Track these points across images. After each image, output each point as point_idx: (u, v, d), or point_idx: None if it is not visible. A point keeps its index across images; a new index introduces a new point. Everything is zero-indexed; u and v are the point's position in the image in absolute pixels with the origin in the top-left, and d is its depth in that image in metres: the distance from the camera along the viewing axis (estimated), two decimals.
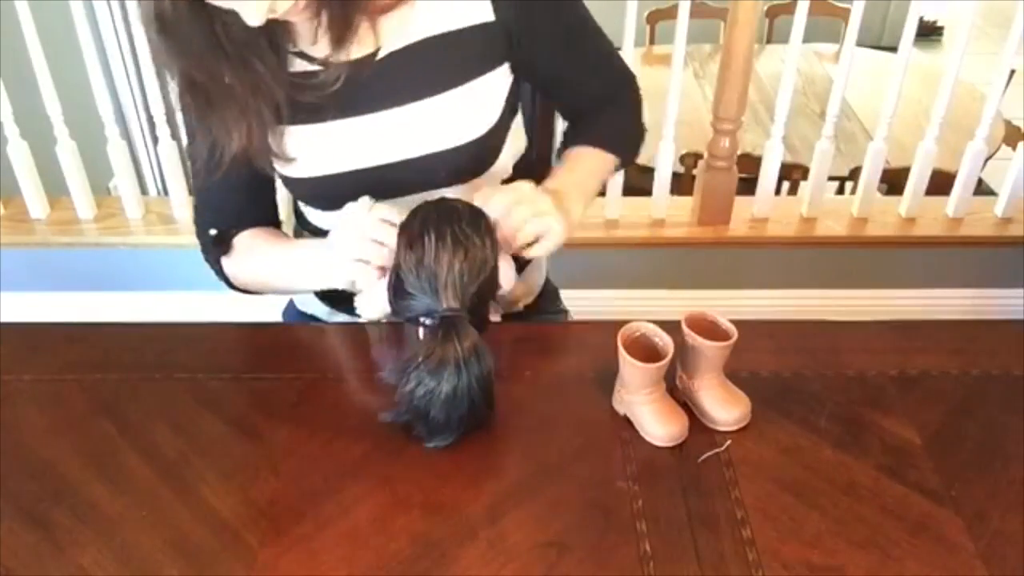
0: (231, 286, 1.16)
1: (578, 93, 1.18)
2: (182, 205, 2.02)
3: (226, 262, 1.14)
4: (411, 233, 0.93)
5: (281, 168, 1.10)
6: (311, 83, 1.01)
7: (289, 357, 1.13)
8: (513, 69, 1.09)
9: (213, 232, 1.13)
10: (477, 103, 1.07)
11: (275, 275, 1.11)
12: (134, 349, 1.11)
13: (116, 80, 2.73)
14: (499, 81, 1.08)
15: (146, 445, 0.97)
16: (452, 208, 0.95)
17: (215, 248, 1.13)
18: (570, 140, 1.19)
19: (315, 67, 1.03)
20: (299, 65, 1.04)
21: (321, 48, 1.00)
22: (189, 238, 2.07)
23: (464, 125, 1.07)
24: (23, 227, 2.02)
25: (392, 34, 1.03)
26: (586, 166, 1.15)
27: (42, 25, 1.81)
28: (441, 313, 0.92)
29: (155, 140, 2.07)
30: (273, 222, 1.18)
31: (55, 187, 2.03)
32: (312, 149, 1.07)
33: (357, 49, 1.02)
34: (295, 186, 1.12)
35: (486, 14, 1.04)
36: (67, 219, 2.04)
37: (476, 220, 0.95)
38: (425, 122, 1.06)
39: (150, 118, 2.06)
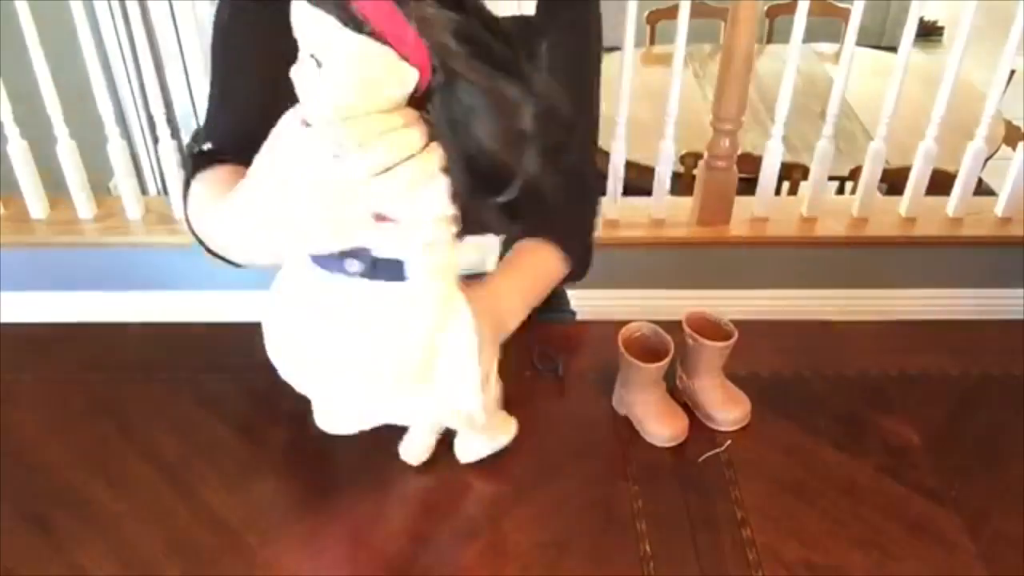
0: (192, 231, 0.97)
1: None
2: (182, 205, 2.02)
3: (195, 184, 0.95)
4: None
5: None
6: None
7: None
8: None
9: (208, 146, 0.97)
10: None
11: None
12: (134, 349, 1.12)
13: (116, 80, 2.74)
14: None
15: (146, 445, 0.97)
16: None
17: (195, 165, 0.96)
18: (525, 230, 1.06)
19: None
20: None
21: None
22: (189, 238, 2.07)
23: None
24: (23, 227, 2.02)
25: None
26: (535, 271, 1.04)
27: (42, 25, 1.81)
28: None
29: (155, 140, 2.06)
30: None
31: (55, 187, 2.03)
32: None
33: None
34: None
35: (529, 8, 1.04)
36: (67, 219, 2.04)
37: None
38: None
39: (150, 118, 2.05)
